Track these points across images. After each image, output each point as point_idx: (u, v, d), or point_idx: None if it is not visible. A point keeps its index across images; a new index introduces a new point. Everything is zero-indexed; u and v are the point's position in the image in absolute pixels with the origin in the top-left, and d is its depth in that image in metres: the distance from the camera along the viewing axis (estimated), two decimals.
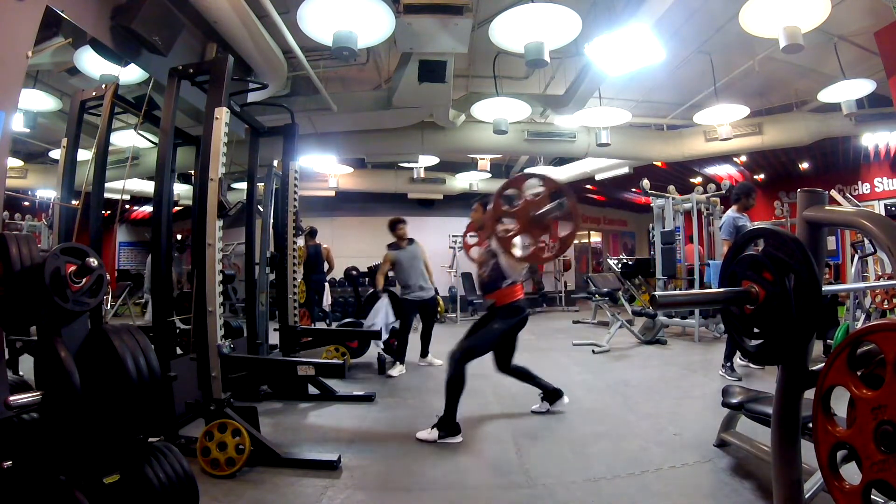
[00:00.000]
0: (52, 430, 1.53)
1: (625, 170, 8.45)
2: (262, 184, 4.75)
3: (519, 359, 3.27)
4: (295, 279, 4.04)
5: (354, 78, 5.83)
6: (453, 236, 9.42)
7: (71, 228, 3.07)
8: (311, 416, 3.55)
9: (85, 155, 3.31)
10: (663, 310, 6.07)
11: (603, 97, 5.96)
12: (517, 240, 2.46)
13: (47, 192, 5.73)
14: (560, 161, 9.31)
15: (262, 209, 4.70)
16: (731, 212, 4.46)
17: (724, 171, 10.05)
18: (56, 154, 4.93)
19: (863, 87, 5.07)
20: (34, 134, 4.89)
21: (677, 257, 6.92)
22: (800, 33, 3.68)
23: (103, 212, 3.24)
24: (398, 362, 4.83)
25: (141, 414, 1.62)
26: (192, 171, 3.78)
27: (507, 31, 3.77)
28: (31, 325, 1.64)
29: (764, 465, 2.31)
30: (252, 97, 4.60)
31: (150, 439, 1.87)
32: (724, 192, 6.97)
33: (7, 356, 2.43)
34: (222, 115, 2.78)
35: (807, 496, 1.69)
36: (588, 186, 11.25)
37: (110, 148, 3.25)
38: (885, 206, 8.40)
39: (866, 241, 4.82)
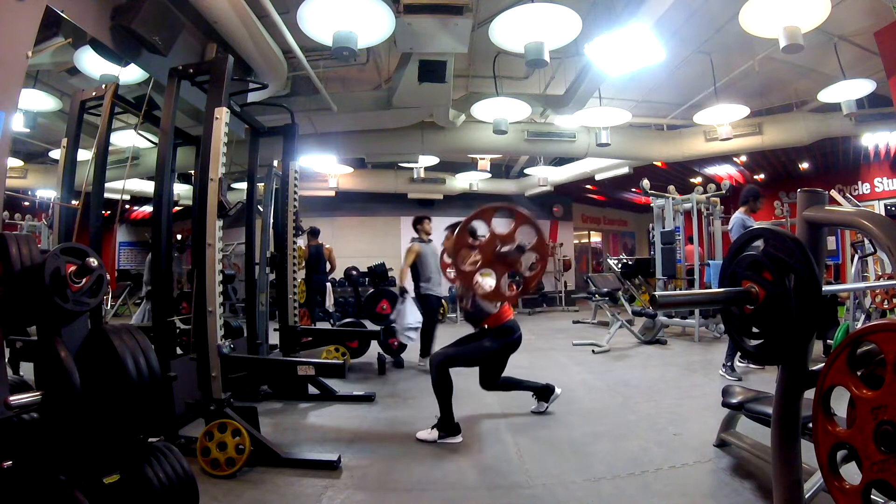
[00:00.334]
0: (52, 430, 1.53)
1: (625, 170, 8.45)
2: (262, 184, 4.74)
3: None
4: (295, 279, 4.04)
5: (354, 78, 5.83)
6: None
7: (71, 228, 3.07)
8: (311, 416, 3.55)
9: (85, 155, 3.31)
10: (663, 310, 6.07)
11: (603, 97, 5.96)
12: (482, 275, 2.39)
13: (47, 192, 5.73)
14: (560, 161, 9.31)
15: (262, 209, 4.70)
16: (740, 213, 4.48)
17: (724, 171, 10.05)
18: (56, 154, 4.93)
19: (863, 87, 5.07)
20: (34, 134, 4.88)
21: (677, 257, 6.92)
22: (800, 33, 3.68)
23: (103, 212, 3.24)
24: (421, 356, 4.93)
25: (141, 414, 1.62)
26: (192, 171, 3.78)
27: (507, 31, 3.76)
28: (31, 325, 1.64)
29: (764, 465, 2.31)
30: (252, 97, 4.60)
31: (150, 439, 1.87)
32: (724, 192, 6.99)
33: (7, 356, 2.44)
34: (222, 115, 2.78)
35: (807, 496, 1.69)
36: (588, 186, 11.26)
37: (110, 148, 3.25)
38: (885, 206, 8.38)
39: (866, 241, 4.82)
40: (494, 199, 12.34)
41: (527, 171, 10.16)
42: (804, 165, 9.64)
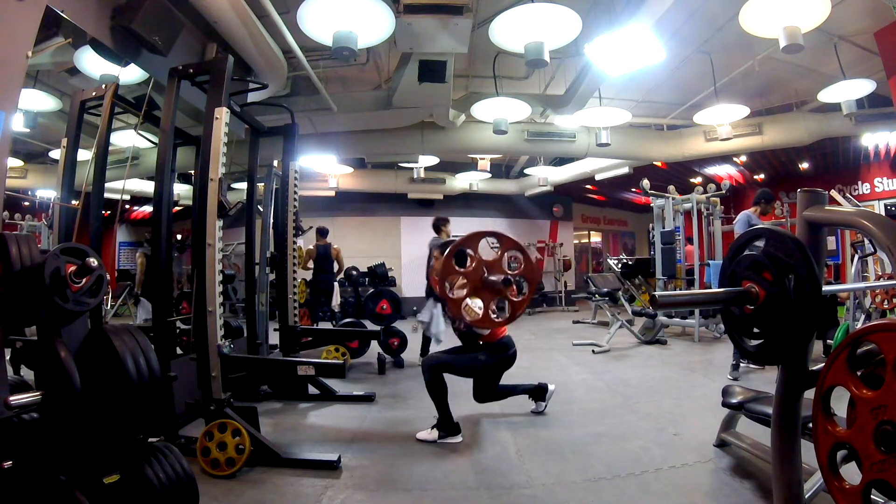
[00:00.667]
0: (52, 430, 1.53)
1: (625, 170, 8.45)
2: (262, 184, 4.74)
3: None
4: (295, 279, 4.04)
5: (354, 78, 5.83)
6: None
7: (71, 228, 3.07)
8: (311, 416, 3.55)
9: (85, 155, 3.30)
10: (663, 310, 6.07)
11: (603, 97, 5.96)
12: (470, 301, 2.37)
13: (47, 192, 5.73)
14: (560, 161, 9.31)
15: (262, 209, 4.70)
16: (749, 211, 4.49)
17: (724, 171, 10.05)
18: (56, 154, 4.93)
19: (863, 87, 5.07)
20: (34, 134, 4.88)
21: (677, 257, 6.92)
22: (800, 33, 3.68)
23: (103, 212, 3.23)
24: (421, 356, 4.88)
25: (141, 414, 1.62)
26: (192, 171, 3.78)
27: (507, 31, 3.76)
28: (31, 325, 1.64)
29: (764, 465, 2.31)
30: (252, 97, 4.60)
31: (150, 439, 1.87)
32: (724, 192, 6.99)
33: (7, 356, 2.44)
34: (222, 115, 2.78)
35: (807, 496, 1.69)
36: (588, 186, 11.26)
37: (110, 148, 3.25)
38: (885, 206, 8.38)
39: (866, 241, 4.82)
40: (495, 199, 12.30)
41: (527, 171, 10.15)
42: (804, 165, 9.64)
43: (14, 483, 1.47)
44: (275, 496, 2.26)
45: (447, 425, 2.92)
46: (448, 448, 2.82)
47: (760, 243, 1.13)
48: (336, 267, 7.33)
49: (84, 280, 1.59)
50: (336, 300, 7.51)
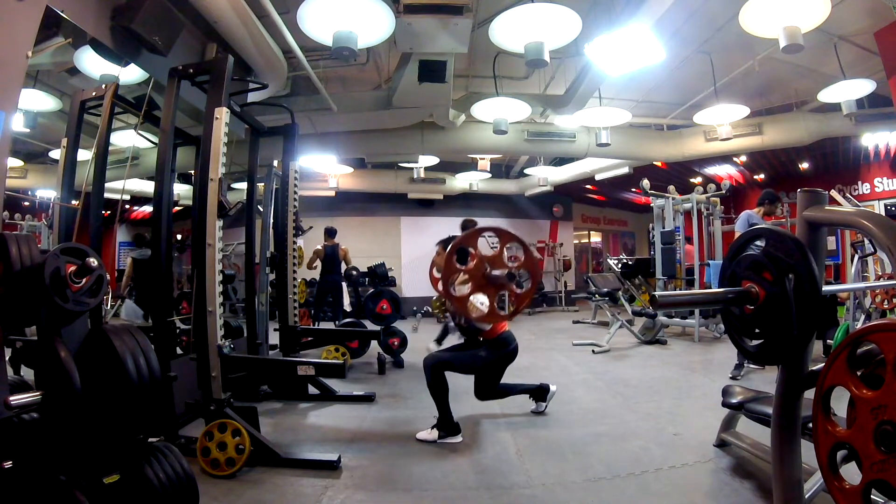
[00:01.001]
0: (52, 430, 1.53)
1: (625, 170, 8.45)
2: (262, 184, 4.74)
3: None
4: (295, 279, 4.04)
5: (354, 78, 5.83)
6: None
7: (71, 228, 3.06)
8: (311, 416, 3.55)
9: (85, 155, 3.30)
10: (663, 310, 6.07)
11: (603, 97, 5.96)
12: (474, 297, 2.38)
13: (47, 192, 5.72)
14: (560, 161, 9.31)
15: (262, 209, 4.70)
16: (752, 211, 4.49)
17: (724, 171, 10.05)
18: (56, 154, 4.92)
19: (863, 87, 5.07)
20: (34, 134, 4.88)
21: (677, 257, 6.92)
22: (800, 33, 3.68)
23: (103, 212, 3.23)
24: None
25: (141, 414, 1.62)
26: (192, 171, 3.77)
27: (507, 31, 3.76)
28: (31, 325, 1.64)
29: (764, 465, 2.31)
30: (252, 97, 4.60)
31: (150, 439, 1.87)
32: (724, 192, 6.99)
33: (7, 356, 2.43)
34: (222, 115, 2.78)
35: (807, 496, 1.69)
36: (588, 186, 11.26)
37: (110, 148, 3.24)
38: (885, 206, 8.38)
39: (866, 241, 4.81)
40: (495, 199, 12.27)
41: (527, 171, 10.15)
42: (804, 165, 9.64)
43: (14, 483, 1.47)
44: (275, 496, 2.26)
45: (447, 425, 2.92)
46: (448, 448, 2.82)
47: (760, 243, 1.13)
48: (343, 267, 7.33)
49: (84, 280, 1.59)
50: (346, 300, 7.50)
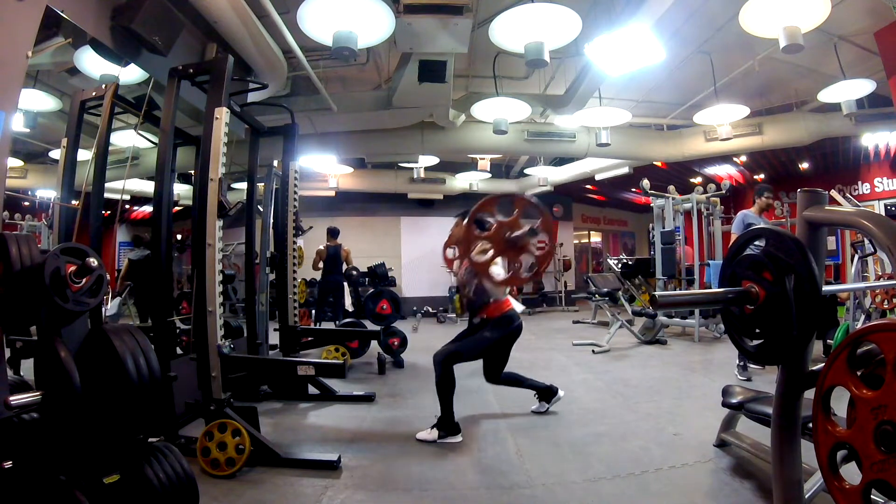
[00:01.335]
0: (52, 430, 1.53)
1: (625, 170, 8.45)
2: (262, 184, 4.74)
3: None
4: (295, 279, 4.04)
5: (354, 78, 5.83)
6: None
7: (71, 228, 3.07)
8: (311, 416, 3.55)
9: (85, 155, 3.30)
10: (663, 310, 6.07)
11: (603, 97, 5.96)
12: (496, 262, 2.41)
13: (47, 192, 5.72)
14: (560, 161, 9.31)
15: (262, 209, 4.69)
16: (747, 210, 4.50)
17: (724, 171, 10.05)
18: (56, 154, 4.92)
19: (863, 87, 5.07)
20: (34, 134, 4.88)
21: (677, 257, 6.92)
22: (800, 33, 3.68)
23: (103, 212, 3.23)
24: None
25: (141, 414, 1.62)
26: (192, 171, 3.77)
27: (507, 31, 3.76)
28: (31, 325, 1.64)
29: (764, 465, 2.31)
30: (252, 97, 4.60)
31: (150, 439, 1.87)
32: (724, 192, 6.99)
33: (7, 356, 2.43)
34: (222, 115, 2.78)
35: (807, 496, 1.69)
36: (588, 186, 11.26)
37: (110, 148, 3.25)
38: (885, 206, 8.39)
39: (866, 241, 4.82)
40: None
41: (527, 171, 10.15)
42: (804, 165, 9.64)
43: (14, 483, 1.47)
44: (275, 496, 2.26)
45: (448, 424, 2.92)
46: (448, 448, 2.82)
47: (760, 243, 1.13)
48: (345, 268, 7.33)
49: (84, 280, 1.59)
50: (348, 299, 7.52)
